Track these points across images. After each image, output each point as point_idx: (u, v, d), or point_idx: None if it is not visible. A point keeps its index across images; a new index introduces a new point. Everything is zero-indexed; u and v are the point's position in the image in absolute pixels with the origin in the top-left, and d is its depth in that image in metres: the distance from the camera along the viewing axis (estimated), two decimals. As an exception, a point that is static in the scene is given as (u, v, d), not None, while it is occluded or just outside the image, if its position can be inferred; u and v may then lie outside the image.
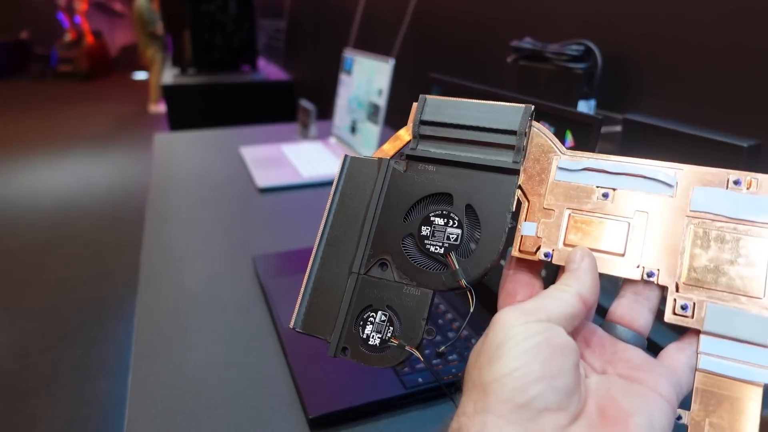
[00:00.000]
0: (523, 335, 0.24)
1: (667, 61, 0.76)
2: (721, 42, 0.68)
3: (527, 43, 0.93)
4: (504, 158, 0.32)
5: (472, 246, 0.31)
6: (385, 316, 0.32)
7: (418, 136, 0.35)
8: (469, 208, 0.32)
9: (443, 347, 0.32)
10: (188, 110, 2.84)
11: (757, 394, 0.25)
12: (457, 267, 0.31)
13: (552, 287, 0.28)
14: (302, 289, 0.34)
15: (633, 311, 0.29)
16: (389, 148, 0.35)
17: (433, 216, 0.32)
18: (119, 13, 8.30)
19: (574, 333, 0.28)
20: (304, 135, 1.63)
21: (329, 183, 1.23)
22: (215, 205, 1.11)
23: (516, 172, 0.32)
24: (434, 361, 0.61)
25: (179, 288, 0.79)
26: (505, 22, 1.16)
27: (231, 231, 0.99)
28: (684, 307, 0.27)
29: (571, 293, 0.27)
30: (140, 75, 6.89)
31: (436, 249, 0.32)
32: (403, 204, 0.33)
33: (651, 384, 0.26)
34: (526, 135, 0.32)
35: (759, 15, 0.63)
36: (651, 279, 0.28)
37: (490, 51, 1.22)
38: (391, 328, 0.31)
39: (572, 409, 0.24)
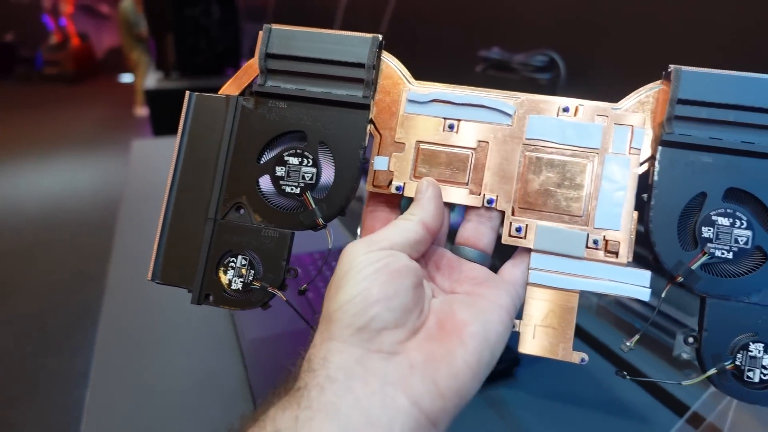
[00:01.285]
0: (364, 263, 0.26)
1: (628, 73, 0.78)
2: (682, 58, 0.69)
3: (495, 53, 0.94)
4: (354, 92, 0.32)
5: (328, 183, 0.32)
6: (246, 260, 0.32)
7: (265, 71, 0.33)
8: (323, 145, 0.32)
9: (304, 285, 0.33)
10: (172, 115, 2.83)
11: (575, 299, 0.30)
12: (313, 206, 0.31)
13: (399, 217, 0.30)
14: (156, 240, 0.33)
15: (477, 233, 0.31)
16: (237, 84, 0.34)
17: (287, 155, 0.32)
18: (106, 16, 8.24)
19: (425, 258, 0.31)
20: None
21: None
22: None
23: (366, 107, 0.32)
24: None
25: (144, 299, 0.79)
26: (477, 31, 1.17)
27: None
28: (518, 230, 0.31)
29: (414, 221, 0.29)
30: (127, 78, 6.85)
31: (291, 189, 0.32)
32: (255, 144, 0.32)
33: (491, 297, 0.28)
34: (374, 68, 0.32)
35: (721, 31, 0.65)
36: (491, 206, 0.31)
37: (462, 60, 1.23)
38: (253, 272, 0.31)
39: (410, 325, 0.26)
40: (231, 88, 0.34)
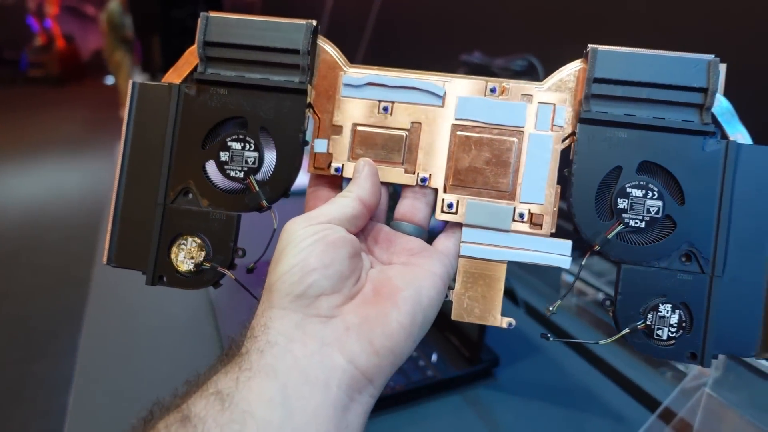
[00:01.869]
0: (302, 236, 0.28)
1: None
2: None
3: (476, 57, 0.95)
4: (291, 78, 0.33)
5: (271, 166, 0.33)
6: (196, 242, 0.33)
7: (205, 59, 0.33)
8: (263, 130, 0.33)
9: (252, 264, 0.34)
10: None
11: (503, 270, 0.32)
12: (257, 189, 0.33)
13: (337, 195, 0.32)
14: (109, 226, 0.34)
15: (413, 208, 0.33)
16: (179, 73, 0.34)
17: (230, 141, 0.33)
18: (91, 17, 8.17)
19: (364, 234, 0.32)
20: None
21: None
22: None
23: (303, 92, 0.33)
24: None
25: (128, 305, 0.79)
26: (459, 35, 1.18)
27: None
28: (450, 206, 0.32)
29: (351, 197, 0.31)
30: (112, 80, 6.80)
31: (236, 173, 0.33)
32: (199, 130, 0.33)
33: (425, 265, 0.30)
34: (309, 53, 0.33)
35: (698, 35, 0.67)
36: (424, 184, 0.33)
37: (446, 64, 1.24)
38: (203, 253, 0.33)
39: (346, 291, 0.28)
40: (173, 76, 0.34)
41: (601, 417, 0.58)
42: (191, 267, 0.33)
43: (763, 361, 0.46)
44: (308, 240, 0.28)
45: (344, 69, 0.34)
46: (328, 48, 0.34)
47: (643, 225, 0.30)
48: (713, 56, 0.30)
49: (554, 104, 0.32)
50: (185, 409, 0.24)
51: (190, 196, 0.33)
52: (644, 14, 0.73)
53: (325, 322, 0.27)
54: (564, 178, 0.32)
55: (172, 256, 0.33)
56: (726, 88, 0.30)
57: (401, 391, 0.59)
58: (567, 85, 0.32)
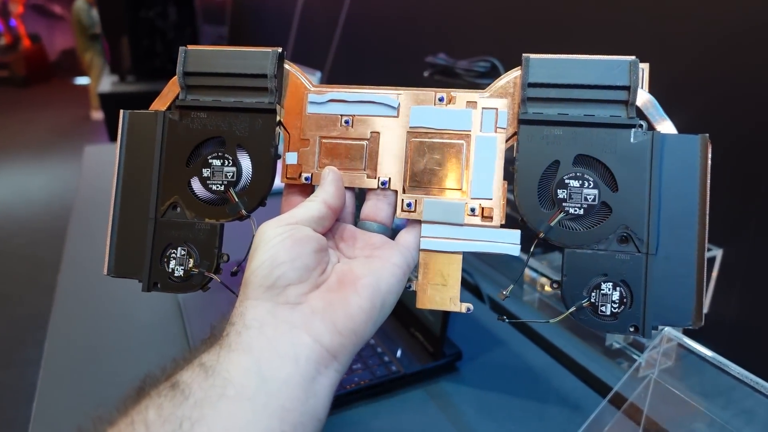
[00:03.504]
0: (272, 235, 0.31)
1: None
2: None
3: (441, 59, 0.97)
4: (262, 99, 0.37)
5: (248, 179, 0.37)
6: (184, 250, 0.36)
7: (185, 87, 0.38)
8: (240, 147, 0.37)
9: (236, 267, 0.37)
10: (128, 119, 2.77)
11: (459, 260, 0.35)
12: (236, 200, 0.36)
13: (306, 199, 0.35)
14: (107, 240, 0.38)
15: (375, 208, 0.36)
16: (163, 101, 0.38)
17: (210, 158, 0.37)
18: (58, 16, 7.98)
19: (332, 233, 0.36)
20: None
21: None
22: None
23: (273, 111, 0.37)
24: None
25: (94, 309, 0.79)
26: (426, 37, 1.20)
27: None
28: (409, 205, 0.36)
29: (317, 201, 0.34)
30: (82, 80, 6.65)
31: (217, 187, 0.37)
32: (183, 150, 0.37)
33: (384, 256, 0.34)
34: (276, 77, 0.37)
35: (663, 45, 0.69)
36: (385, 187, 0.36)
37: (411, 65, 1.26)
38: (191, 260, 0.36)
39: (312, 281, 0.31)
40: (158, 104, 0.38)
41: (560, 405, 0.60)
42: (181, 273, 0.36)
43: (707, 351, 0.48)
44: (277, 238, 0.31)
45: (309, 89, 0.38)
46: (294, 71, 0.38)
47: (581, 212, 0.33)
48: (634, 57, 0.33)
49: (497, 108, 0.35)
50: (173, 379, 0.27)
51: (179, 209, 0.37)
52: (603, 18, 0.76)
53: (293, 308, 0.30)
54: (510, 175, 0.34)
55: (164, 264, 0.36)
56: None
57: (366, 386, 0.60)
58: (507, 90, 0.35)
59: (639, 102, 0.33)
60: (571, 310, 0.33)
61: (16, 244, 2.74)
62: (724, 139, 0.51)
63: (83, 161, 1.53)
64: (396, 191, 0.36)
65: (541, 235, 0.33)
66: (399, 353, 0.65)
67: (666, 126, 0.33)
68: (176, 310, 0.78)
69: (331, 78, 1.37)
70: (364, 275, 0.32)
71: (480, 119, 0.35)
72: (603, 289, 0.32)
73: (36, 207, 3.22)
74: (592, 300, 0.32)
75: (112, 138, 2.74)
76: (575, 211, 0.33)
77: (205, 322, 0.73)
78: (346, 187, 0.36)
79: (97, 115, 5.36)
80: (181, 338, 0.71)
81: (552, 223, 0.33)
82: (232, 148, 0.37)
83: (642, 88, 0.33)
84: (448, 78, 0.96)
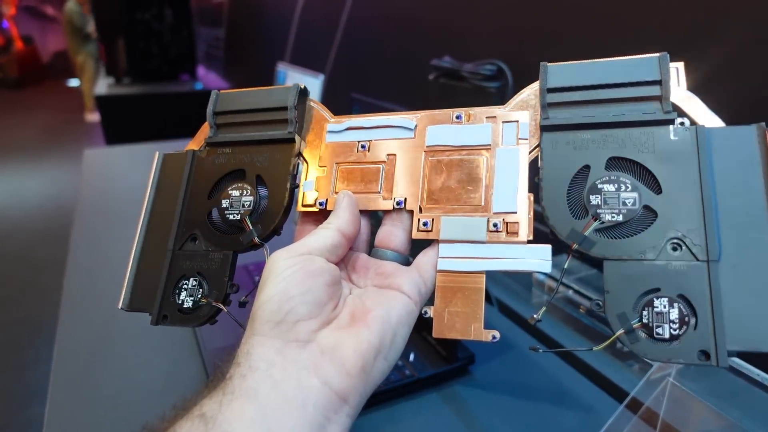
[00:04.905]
0: (283, 267, 0.29)
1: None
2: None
3: (446, 62, 0.97)
4: (282, 131, 0.38)
5: (264, 208, 0.36)
6: (196, 281, 0.36)
7: (214, 126, 0.40)
8: (259, 178, 0.37)
9: (244, 297, 0.36)
10: (125, 121, 2.76)
11: (482, 281, 0.31)
12: (250, 228, 0.36)
13: (318, 227, 0.33)
14: (127, 274, 0.38)
15: (390, 234, 0.34)
16: (197, 142, 0.40)
17: (230, 190, 0.37)
18: (51, 17, 7.93)
19: (344, 263, 0.34)
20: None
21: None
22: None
23: (292, 140, 0.37)
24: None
25: (101, 314, 0.78)
26: (430, 40, 1.20)
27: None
28: (425, 224, 0.33)
29: (331, 229, 0.32)
30: (75, 82, 6.60)
31: (233, 216, 0.36)
32: (206, 184, 0.38)
33: (395, 285, 0.32)
34: (296, 109, 0.37)
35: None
36: (400, 207, 0.34)
37: (415, 68, 1.26)
38: (201, 290, 0.35)
39: (323, 317, 0.29)
40: (192, 145, 0.41)
41: (573, 409, 0.60)
42: (190, 304, 0.35)
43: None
44: (289, 270, 0.29)
45: (329, 120, 0.38)
46: (316, 106, 0.39)
47: (620, 218, 0.29)
48: (664, 52, 0.31)
49: (518, 121, 0.33)
50: None
51: (197, 241, 0.37)
52: (612, 18, 0.76)
53: (302, 346, 0.28)
54: (536, 187, 0.32)
55: (176, 296, 0.36)
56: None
57: (380, 391, 0.60)
58: (529, 103, 0.34)
59: (678, 100, 0.30)
60: (618, 333, 0.27)
61: (12, 247, 2.71)
62: None
63: (83, 165, 1.52)
64: (412, 211, 0.34)
65: (575, 246, 0.29)
66: (412, 357, 0.65)
67: (711, 119, 0.30)
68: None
69: (332, 80, 1.37)
70: (373, 308, 0.30)
71: (501, 132, 0.33)
72: (657, 307, 0.27)
73: (31, 210, 3.19)
74: (645, 320, 0.27)
75: (109, 141, 2.73)
76: (612, 217, 0.29)
77: (215, 327, 0.73)
78: (361, 211, 0.35)
79: (92, 117, 5.33)
80: (191, 344, 0.71)
81: (586, 233, 0.29)
82: (252, 179, 0.37)
83: (679, 86, 0.31)
84: (454, 81, 0.96)
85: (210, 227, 0.37)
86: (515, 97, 0.34)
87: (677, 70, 0.31)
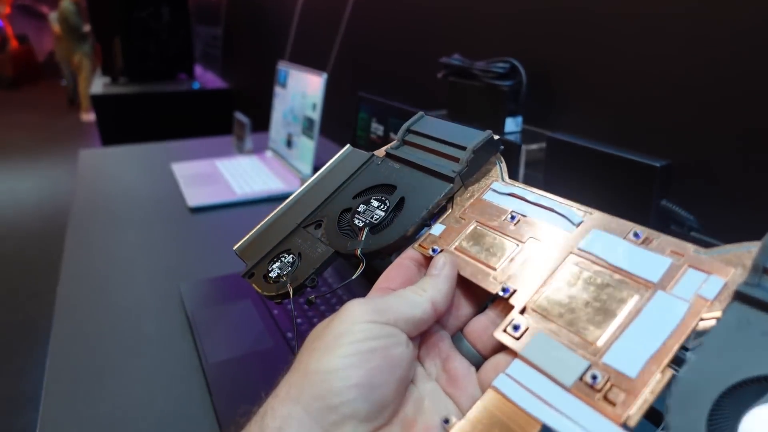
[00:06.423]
0: (362, 334, 0.25)
1: (584, 80, 0.79)
2: (630, 65, 0.71)
3: (456, 59, 0.94)
4: (449, 168, 0.36)
5: (385, 228, 0.35)
6: (293, 259, 0.36)
7: (401, 141, 0.41)
8: (402, 200, 0.36)
9: (313, 296, 0.35)
10: (121, 121, 2.72)
11: (535, 430, 0.23)
12: (362, 238, 0.34)
13: (409, 288, 0.29)
14: (256, 227, 0.40)
15: (485, 332, 0.29)
16: (383, 149, 0.42)
17: (373, 199, 0.37)
18: (46, 16, 7.87)
19: (423, 335, 0.29)
20: (240, 149, 1.59)
21: (264, 200, 1.20)
22: (141, 227, 1.06)
23: (450, 179, 0.36)
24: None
25: (97, 320, 0.75)
26: (436, 38, 1.17)
27: (157, 255, 0.95)
28: (516, 327, 0.27)
29: (425, 298, 0.28)
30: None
31: (358, 222, 0.36)
32: (361, 186, 0.39)
33: (458, 400, 0.27)
34: (475, 153, 0.36)
35: (664, 40, 0.66)
36: (504, 295, 0.28)
37: (422, 66, 1.22)
38: (290, 269, 0.36)
39: (378, 422, 0.24)
40: (380, 151, 0.42)
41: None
42: (275, 275, 0.36)
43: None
44: (366, 344, 0.24)
45: (500, 179, 0.36)
46: (499, 163, 0.37)
47: None
48: None
49: (710, 274, 0.25)
50: None
51: (319, 228, 0.38)
52: (626, 15, 0.73)
53: None
54: (680, 362, 0.22)
55: (272, 263, 0.37)
56: None
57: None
58: (742, 260, 0.24)
59: None
60: None
61: (5, 249, 2.67)
62: None
63: (78, 166, 1.48)
64: (513, 307, 0.28)
65: None
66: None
67: None
68: (184, 322, 0.74)
69: (335, 79, 1.33)
70: (432, 426, 0.25)
71: (678, 276, 0.25)
72: None
73: (26, 210, 3.15)
74: None
75: (105, 141, 2.68)
76: None
77: (217, 339, 0.69)
78: (458, 278, 0.30)
79: (87, 117, 5.29)
80: (189, 347, 0.67)
81: None
82: (396, 198, 0.36)
83: None
84: (464, 80, 0.93)
85: (335, 221, 0.37)
86: (728, 246, 0.25)
87: None
